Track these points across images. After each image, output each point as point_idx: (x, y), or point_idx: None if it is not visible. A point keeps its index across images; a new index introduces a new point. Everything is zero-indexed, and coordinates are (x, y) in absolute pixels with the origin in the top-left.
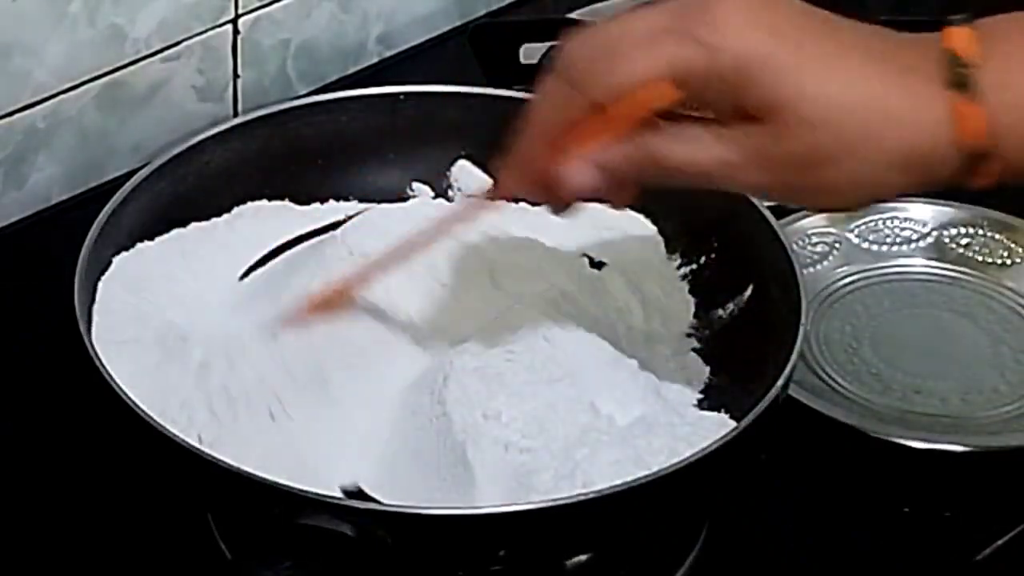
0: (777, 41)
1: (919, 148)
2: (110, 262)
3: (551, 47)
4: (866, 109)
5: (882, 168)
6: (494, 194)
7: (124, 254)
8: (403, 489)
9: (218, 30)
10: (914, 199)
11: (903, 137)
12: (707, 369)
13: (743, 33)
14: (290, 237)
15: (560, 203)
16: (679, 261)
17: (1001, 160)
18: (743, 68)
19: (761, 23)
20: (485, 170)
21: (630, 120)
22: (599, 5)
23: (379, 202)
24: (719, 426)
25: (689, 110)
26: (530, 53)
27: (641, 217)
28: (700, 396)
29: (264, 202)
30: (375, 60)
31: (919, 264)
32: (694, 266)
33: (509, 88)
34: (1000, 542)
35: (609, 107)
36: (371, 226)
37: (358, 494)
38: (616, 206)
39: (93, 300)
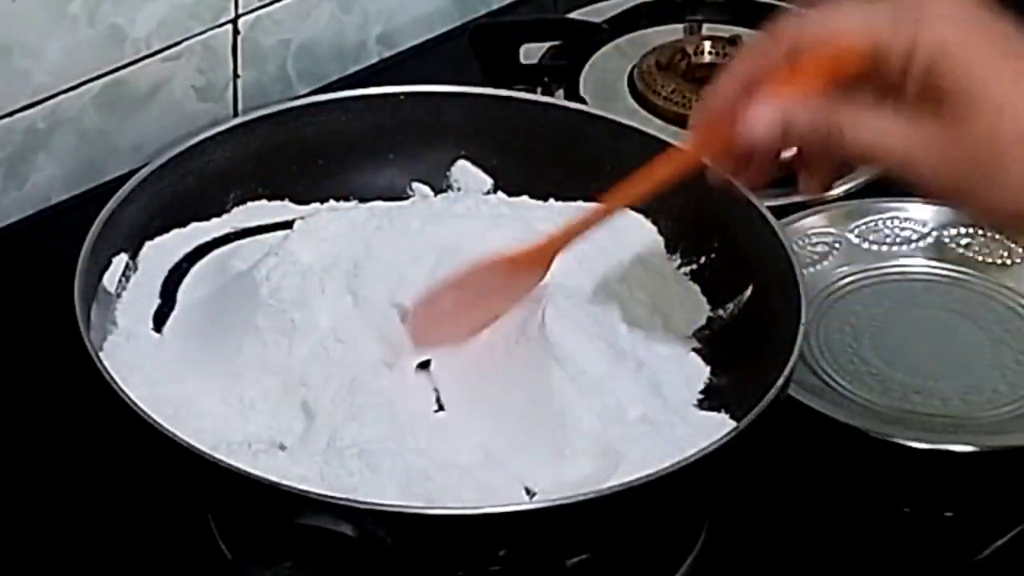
0: (978, 34)
1: None
2: (110, 262)
3: (551, 47)
4: None
5: None
6: (688, 150)
7: (124, 254)
8: None
9: (218, 30)
10: (914, 199)
11: None
12: (707, 369)
13: (947, 23)
14: None
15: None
16: (679, 261)
17: None
18: (941, 47)
19: (966, 19)
20: (485, 170)
21: (819, 76)
22: (599, 5)
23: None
24: (719, 426)
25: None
26: (530, 53)
27: (641, 217)
28: (700, 396)
29: (264, 202)
30: (375, 60)
31: (919, 264)
32: (694, 266)
33: (509, 88)
34: (1000, 542)
35: (801, 58)
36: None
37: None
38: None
39: (93, 300)
